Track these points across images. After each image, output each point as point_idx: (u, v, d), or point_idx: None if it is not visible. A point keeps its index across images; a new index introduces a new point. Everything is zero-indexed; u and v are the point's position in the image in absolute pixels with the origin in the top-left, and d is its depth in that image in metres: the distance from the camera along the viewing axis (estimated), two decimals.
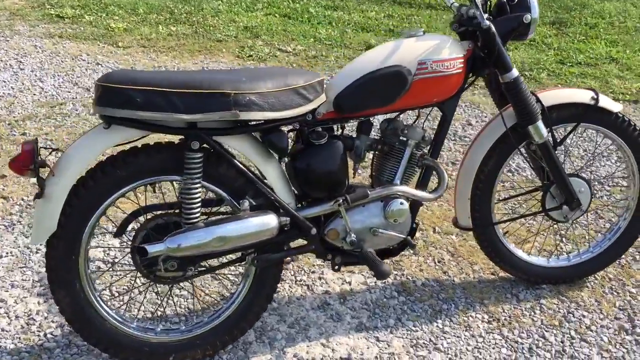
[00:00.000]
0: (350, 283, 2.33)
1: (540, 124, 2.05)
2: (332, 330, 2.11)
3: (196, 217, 1.79)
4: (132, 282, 2.19)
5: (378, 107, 1.93)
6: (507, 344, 2.08)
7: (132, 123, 1.72)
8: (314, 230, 1.91)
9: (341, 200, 1.90)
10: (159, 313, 2.12)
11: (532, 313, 2.21)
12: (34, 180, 1.93)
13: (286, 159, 1.89)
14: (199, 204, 1.79)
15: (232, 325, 1.95)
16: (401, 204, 1.98)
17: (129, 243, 1.87)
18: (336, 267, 2.02)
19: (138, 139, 1.76)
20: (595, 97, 2.11)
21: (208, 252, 1.79)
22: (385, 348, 2.04)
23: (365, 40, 4.90)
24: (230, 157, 1.80)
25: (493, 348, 2.06)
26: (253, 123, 1.81)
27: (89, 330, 1.85)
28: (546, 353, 2.05)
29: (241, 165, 1.82)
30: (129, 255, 1.89)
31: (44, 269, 1.82)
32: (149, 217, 1.88)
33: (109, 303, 1.97)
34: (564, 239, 2.56)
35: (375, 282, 2.33)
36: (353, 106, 1.90)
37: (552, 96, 2.12)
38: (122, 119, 1.70)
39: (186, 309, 2.15)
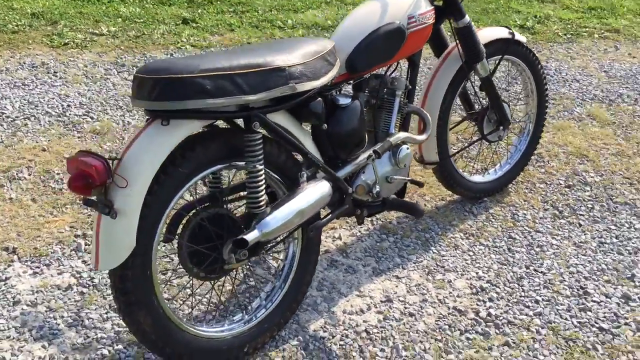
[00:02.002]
0: (340, 238, 2.46)
1: (485, 60, 2.40)
2: (357, 281, 2.24)
3: (264, 201, 1.75)
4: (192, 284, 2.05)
5: (382, 62, 2.07)
6: (491, 250, 2.44)
7: (194, 114, 1.59)
8: (350, 190, 2.01)
9: (373, 154, 2.02)
10: (208, 309, 2.04)
11: (491, 222, 2.61)
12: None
13: (325, 126, 1.92)
14: (265, 188, 1.75)
15: (291, 299, 1.96)
16: (407, 149, 2.17)
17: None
18: (361, 220, 2.14)
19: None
20: (512, 32, 2.53)
21: (289, 230, 1.78)
22: (409, 282, 2.25)
23: (174, 14, 4.75)
24: (284, 133, 1.78)
25: (485, 256, 2.41)
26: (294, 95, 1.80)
27: (173, 346, 1.70)
28: (521, 249, 2.46)
29: (294, 140, 1.81)
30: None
31: (116, 295, 1.62)
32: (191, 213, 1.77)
33: (179, 312, 1.81)
34: (485, 157, 2.98)
35: (359, 231, 2.50)
36: (364, 65, 2.01)
37: (482, 35, 2.47)
38: (183, 111, 1.57)
39: (233, 300, 2.09)
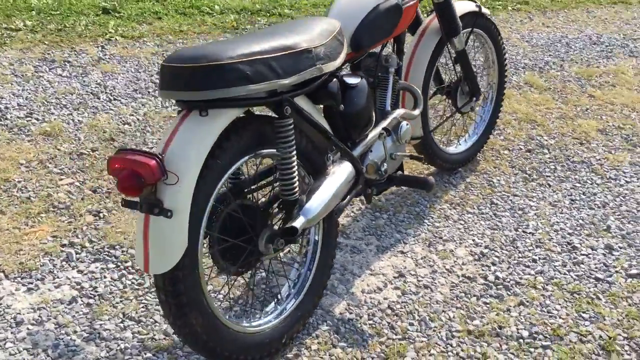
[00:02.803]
0: None
1: (461, 34, 2.47)
2: (365, 260, 2.25)
3: (298, 187, 1.71)
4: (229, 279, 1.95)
5: (383, 38, 2.07)
6: (479, 217, 2.53)
7: (231, 102, 1.52)
8: (364, 169, 2.00)
9: (384, 132, 2.02)
10: (238, 302, 1.98)
11: (471, 191, 2.70)
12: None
13: (342, 107, 1.89)
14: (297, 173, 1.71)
15: (318, 284, 1.94)
16: (407, 125, 2.19)
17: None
18: (370, 199, 2.15)
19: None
20: (478, 5, 2.61)
21: (327, 213, 1.75)
22: (414, 255, 2.29)
23: (92, 4, 4.46)
24: (311, 116, 1.74)
25: (475, 223, 2.50)
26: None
27: (223, 345, 1.63)
28: (505, 213, 2.58)
29: (320, 122, 1.77)
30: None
31: (166, 298, 1.52)
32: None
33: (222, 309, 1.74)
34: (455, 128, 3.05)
35: (352, 211, 2.51)
36: (368, 42, 2.00)
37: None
38: (222, 100, 1.49)
39: (262, 292, 2.03)
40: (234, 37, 1.67)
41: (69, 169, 2.63)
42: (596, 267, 2.30)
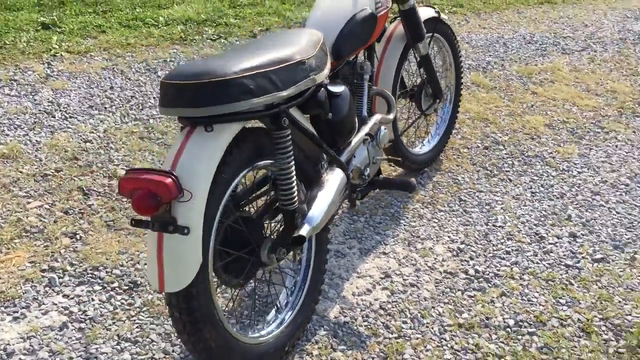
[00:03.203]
0: None
1: (425, 39, 2.56)
2: (350, 264, 2.30)
3: (297, 196, 1.73)
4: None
5: (361, 46, 2.13)
6: (451, 214, 2.63)
7: (234, 116, 1.53)
8: (350, 175, 2.05)
9: (368, 138, 2.07)
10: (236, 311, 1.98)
11: (439, 189, 2.80)
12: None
13: (330, 115, 1.92)
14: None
15: (313, 289, 1.96)
16: (384, 129, 2.26)
17: None
18: (354, 203, 2.19)
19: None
20: (437, 11, 2.71)
21: (328, 219, 1.78)
22: (397, 256, 2.36)
23: (29, 19, 4.31)
24: (305, 126, 1.77)
25: (448, 221, 2.59)
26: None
27: (234, 358, 1.63)
28: (474, 209, 2.69)
29: (312, 132, 1.80)
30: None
31: (180, 316, 1.50)
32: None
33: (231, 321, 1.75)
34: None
35: None
36: (348, 51, 2.05)
37: None
38: (226, 115, 1.50)
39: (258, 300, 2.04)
40: (224, 52, 1.68)
41: (35, 192, 2.55)
42: (564, 255, 2.44)
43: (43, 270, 2.14)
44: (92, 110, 3.22)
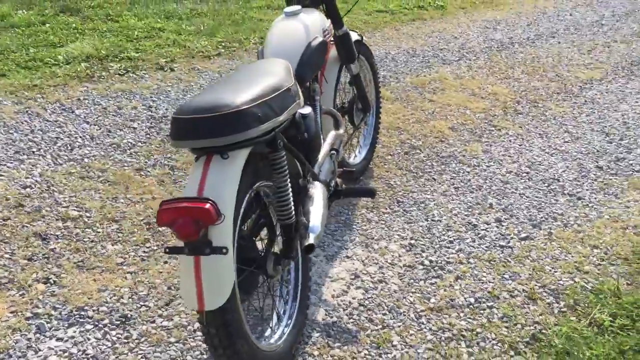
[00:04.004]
0: None
1: (357, 60, 2.82)
2: (321, 270, 2.50)
3: (293, 211, 1.89)
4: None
5: (317, 71, 2.33)
6: (394, 215, 2.90)
7: (244, 143, 1.67)
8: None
9: (335, 152, 2.28)
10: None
11: (378, 194, 3.06)
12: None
13: (306, 135, 2.09)
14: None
15: (304, 294, 2.13)
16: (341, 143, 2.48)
17: None
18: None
19: None
20: (360, 35, 2.98)
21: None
22: (359, 257, 2.58)
23: None
24: (291, 146, 1.94)
25: (393, 221, 2.86)
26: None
27: None
28: (412, 207, 2.98)
29: (297, 151, 1.98)
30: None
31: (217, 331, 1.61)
32: None
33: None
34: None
35: None
36: (308, 76, 2.25)
37: None
38: (240, 142, 1.64)
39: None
40: (213, 86, 1.77)
41: None
42: (496, 238, 2.79)
43: (28, 318, 2.12)
44: (20, 155, 3.14)
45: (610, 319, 2.27)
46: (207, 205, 1.50)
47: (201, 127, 1.59)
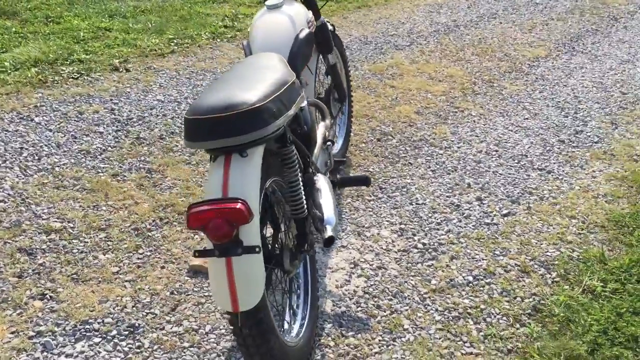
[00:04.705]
0: None
1: (334, 51, 2.82)
2: (320, 262, 2.51)
3: (305, 205, 1.89)
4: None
5: (306, 63, 2.32)
6: (379, 202, 2.94)
7: (263, 140, 1.64)
8: None
9: (329, 143, 2.28)
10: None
11: (375, 175, 3.09)
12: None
13: (305, 127, 2.08)
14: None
15: (314, 287, 2.13)
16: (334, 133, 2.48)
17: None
18: None
19: None
20: (332, 25, 2.98)
21: None
22: (354, 246, 2.61)
23: None
24: (297, 140, 1.92)
25: (380, 207, 2.89)
26: None
27: None
28: (395, 193, 3.02)
29: (301, 144, 1.97)
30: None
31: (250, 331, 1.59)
32: None
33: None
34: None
35: None
36: (300, 68, 2.23)
37: None
38: (258, 139, 1.61)
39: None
40: (218, 83, 1.72)
41: None
42: (480, 216, 2.87)
43: (31, 337, 2.04)
44: None
45: (602, 284, 2.39)
46: (239, 205, 1.48)
47: (220, 126, 1.56)
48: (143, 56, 4.62)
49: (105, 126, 3.52)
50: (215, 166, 1.63)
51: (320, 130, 2.41)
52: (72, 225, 2.63)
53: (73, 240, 2.53)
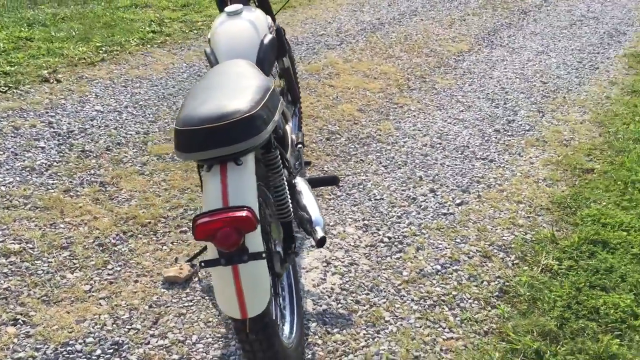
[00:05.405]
0: None
1: (287, 54, 2.85)
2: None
3: (291, 208, 1.91)
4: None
5: (271, 68, 2.33)
6: (340, 200, 3.00)
7: (255, 147, 1.65)
8: None
9: (300, 146, 2.31)
10: None
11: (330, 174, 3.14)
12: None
13: (281, 132, 2.10)
14: None
15: (296, 279, 2.17)
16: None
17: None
18: None
19: None
20: (282, 28, 3.01)
21: None
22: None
23: None
24: (278, 145, 1.94)
25: (341, 206, 2.95)
26: None
27: None
28: (353, 190, 3.09)
29: (282, 149, 1.99)
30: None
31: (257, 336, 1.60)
32: None
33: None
34: None
35: None
36: (267, 73, 2.24)
37: None
38: (251, 147, 1.63)
39: None
40: (197, 93, 1.68)
41: None
42: (437, 207, 3.00)
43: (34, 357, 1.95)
44: None
45: (557, 262, 2.56)
46: (246, 213, 1.50)
47: (216, 136, 1.56)
48: (72, 65, 4.45)
49: (45, 140, 3.38)
50: (211, 176, 1.63)
51: (288, 133, 2.44)
52: (31, 245, 2.52)
53: (36, 261, 2.43)
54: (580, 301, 2.32)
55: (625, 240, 2.66)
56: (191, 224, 1.55)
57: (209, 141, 1.57)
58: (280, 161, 1.88)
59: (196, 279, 2.40)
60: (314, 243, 1.96)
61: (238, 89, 1.75)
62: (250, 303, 1.57)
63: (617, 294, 2.34)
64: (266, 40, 2.31)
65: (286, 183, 1.91)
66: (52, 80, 4.13)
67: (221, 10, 2.53)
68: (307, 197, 2.02)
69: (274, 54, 2.37)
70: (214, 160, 1.63)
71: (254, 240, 1.56)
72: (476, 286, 2.45)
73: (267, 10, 2.64)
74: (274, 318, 1.71)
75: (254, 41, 2.27)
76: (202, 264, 1.55)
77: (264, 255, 1.56)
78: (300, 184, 2.09)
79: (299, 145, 2.39)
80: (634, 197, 3.02)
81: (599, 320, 2.23)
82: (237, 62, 2.06)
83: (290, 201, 1.93)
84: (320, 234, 1.89)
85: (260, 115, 1.65)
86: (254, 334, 1.65)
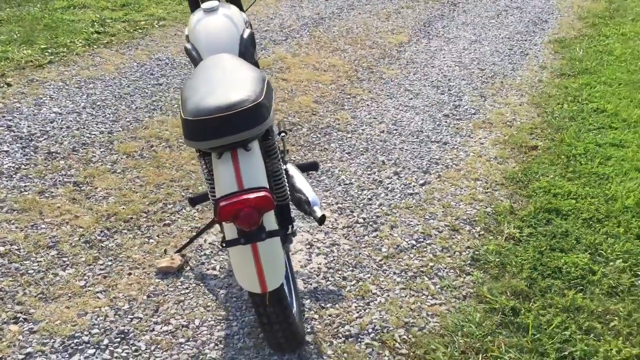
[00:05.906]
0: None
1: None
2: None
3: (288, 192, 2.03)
4: None
5: (251, 62, 2.42)
6: (312, 186, 3.12)
7: (260, 133, 1.76)
8: None
9: (283, 133, 2.42)
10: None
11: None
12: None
13: None
14: None
15: (289, 258, 2.28)
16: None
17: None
18: None
19: None
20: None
21: None
22: (303, 228, 2.77)
23: None
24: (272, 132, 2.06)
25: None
26: None
27: (302, 335, 1.89)
28: (322, 177, 3.24)
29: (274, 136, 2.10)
30: None
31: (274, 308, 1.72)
32: None
33: None
34: None
35: None
36: (251, 58, 2.34)
37: None
38: (257, 134, 1.74)
39: None
40: (197, 85, 1.74)
41: None
42: (402, 188, 3.18)
43: None
44: None
45: (519, 231, 2.80)
46: (264, 194, 1.61)
47: (227, 124, 1.67)
48: (20, 69, 4.37)
49: (8, 144, 3.34)
50: (222, 162, 1.73)
51: (273, 121, 2.55)
52: (16, 247, 2.53)
53: (24, 262, 2.45)
54: (544, 263, 2.56)
55: (574, 207, 2.94)
56: (213, 207, 1.64)
57: (222, 129, 1.67)
58: (277, 147, 2.00)
59: (188, 267, 2.48)
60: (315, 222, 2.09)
61: (239, 80, 1.85)
62: (269, 277, 1.69)
63: (574, 255, 2.60)
64: (246, 35, 2.41)
65: (282, 168, 2.03)
66: (1, 84, 4.05)
67: (193, 8, 2.61)
68: (300, 180, 2.15)
69: (253, 48, 2.47)
70: (224, 148, 1.74)
71: (270, 219, 1.68)
72: (450, 257, 2.65)
73: (239, 7, 2.74)
74: (285, 291, 1.83)
75: (235, 36, 2.37)
76: (224, 244, 1.65)
77: (278, 232, 1.68)
78: (292, 169, 2.21)
79: (282, 134, 2.51)
80: (576, 169, 3.32)
81: (562, 278, 2.47)
82: (224, 56, 2.15)
83: (286, 187, 2.05)
84: (319, 212, 2.03)
85: (264, 103, 1.76)
86: (272, 306, 1.77)
